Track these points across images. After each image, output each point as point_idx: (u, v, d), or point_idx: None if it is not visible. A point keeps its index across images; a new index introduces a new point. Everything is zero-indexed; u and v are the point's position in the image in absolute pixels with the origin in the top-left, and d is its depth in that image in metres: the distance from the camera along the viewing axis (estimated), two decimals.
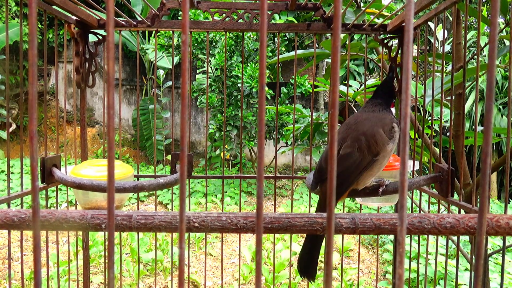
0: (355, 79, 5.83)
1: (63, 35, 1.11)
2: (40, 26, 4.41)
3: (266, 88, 4.86)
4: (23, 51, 0.89)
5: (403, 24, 1.02)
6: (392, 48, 1.13)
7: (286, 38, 5.35)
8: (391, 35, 1.11)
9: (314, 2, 1.07)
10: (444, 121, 2.45)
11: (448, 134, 1.04)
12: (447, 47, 2.64)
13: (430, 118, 1.58)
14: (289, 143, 4.69)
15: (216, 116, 4.72)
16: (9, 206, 0.80)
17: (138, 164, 1.25)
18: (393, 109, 0.87)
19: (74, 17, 1.04)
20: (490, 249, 3.04)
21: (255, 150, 5.32)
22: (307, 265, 0.75)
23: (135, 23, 1.08)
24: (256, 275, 0.23)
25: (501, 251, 0.74)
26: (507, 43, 3.97)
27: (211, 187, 5.00)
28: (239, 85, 4.61)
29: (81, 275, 1.50)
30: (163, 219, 0.50)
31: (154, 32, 3.85)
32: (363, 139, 0.75)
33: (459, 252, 0.95)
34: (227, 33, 2.74)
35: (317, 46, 1.87)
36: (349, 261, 3.30)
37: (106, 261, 0.59)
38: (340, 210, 3.29)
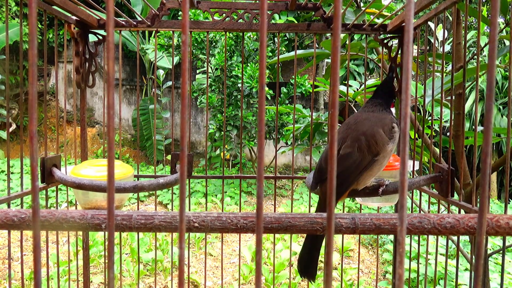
0: (355, 79, 5.83)
1: (63, 35, 1.11)
2: (40, 26, 4.41)
3: (266, 88, 4.86)
4: (23, 51, 0.89)
5: (403, 24, 1.02)
6: (392, 48, 1.13)
7: (286, 38, 5.35)
8: (391, 35, 1.11)
9: (314, 2, 1.07)
10: (444, 121, 2.45)
11: (448, 134, 1.04)
12: (447, 47, 2.64)
13: (430, 118, 1.58)
14: (289, 143, 4.69)
15: (216, 116, 4.72)
16: (9, 206, 0.80)
17: (138, 164, 1.25)
18: (393, 109, 0.87)
19: (74, 17, 1.04)
20: (490, 249, 3.04)
21: (255, 150, 5.32)
22: (307, 265, 0.75)
23: (135, 23, 1.08)
24: (256, 275, 0.23)
25: (501, 251, 0.74)
26: (507, 43, 3.97)
27: (211, 187, 5.00)
28: (239, 85, 4.61)
29: (81, 275, 1.50)
30: (163, 219, 0.50)
31: (154, 32, 3.85)
32: (363, 139, 0.75)
33: (459, 252, 0.95)
34: (227, 33, 2.75)
35: (317, 46, 1.87)
36: (349, 261, 3.30)
37: (106, 261, 0.59)
38: (340, 210, 3.29)
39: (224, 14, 1.08)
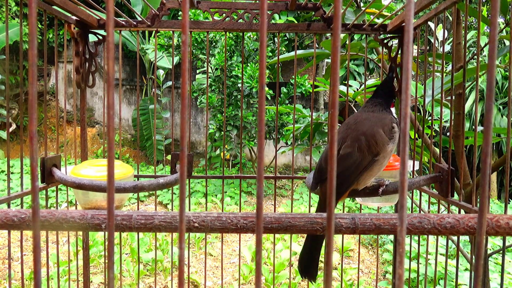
0: (355, 79, 5.83)
1: (63, 35, 1.11)
2: (40, 26, 4.41)
3: (266, 88, 4.86)
4: (23, 51, 0.89)
5: (403, 24, 1.02)
6: (392, 48, 1.13)
7: (286, 38, 5.35)
8: (391, 35, 1.11)
9: (314, 2, 1.07)
10: (444, 121, 2.45)
11: (448, 134, 1.04)
12: (447, 47, 2.64)
13: (430, 118, 1.58)
14: (289, 143, 4.69)
15: (216, 116, 4.72)
16: (9, 206, 0.80)
17: (138, 164, 1.25)
18: (393, 109, 0.87)
19: (74, 17, 1.04)
20: (490, 249, 3.04)
21: (255, 150, 5.32)
22: (307, 265, 0.75)
23: (135, 23, 1.08)
24: (256, 275, 0.23)
25: (501, 251, 0.74)
26: (507, 43, 3.97)
27: (211, 187, 5.00)
28: (239, 85, 4.61)
29: (81, 275, 1.50)
30: (163, 219, 0.50)
31: (154, 32, 3.85)
32: (363, 139, 0.75)
33: (459, 252, 0.95)
34: (227, 33, 2.74)
35: (317, 46, 1.87)
36: (349, 261, 3.30)
37: (106, 261, 0.59)
38: (340, 210, 3.29)
39: (224, 14, 1.08)
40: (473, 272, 0.81)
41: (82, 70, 1.11)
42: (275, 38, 5.14)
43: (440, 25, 2.43)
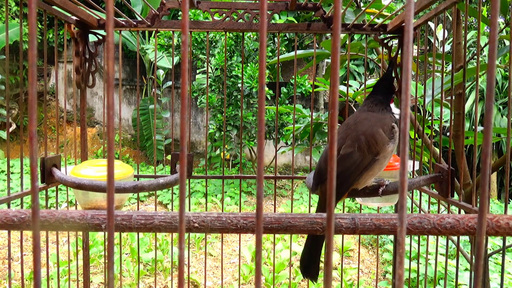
0: (355, 79, 5.83)
1: (63, 35, 1.11)
2: (40, 26, 4.41)
3: (266, 88, 4.86)
4: (23, 51, 0.89)
5: (403, 24, 1.02)
6: (392, 48, 1.13)
7: (286, 38, 5.35)
8: (391, 35, 1.11)
9: (314, 2, 1.06)
10: (444, 121, 2.45)
11: (448, 134, 1.04)
12: (447, 47, 2.64)
13: (430, 118, 1.58)
14: (289, 143, 4.69)
15: (216, 116, 4.72)
16: (9, 206, 0.80)
17: (138, 164, 1.25)
18: (392, 105, 0.87)
19: (74, 17, 1.04)
20: (490, 249, 3.04)
21: (255, 150, 5.32)
22: (309, 265, 0.75)
23: (135, 23, 1.08)
24: (256, 276, 0.23)
25: (501, 251, 0.74)
26: (507, 43, 3.97)
27: (211, 187, 5.00)
28: (239, 85, 4.61)
29: (81, 275, 1.50)
30: (163, 219, 0.50)
31: (154, 32, 3.85)
32: (363, 139, 0.75)
33: (459, 252, 0.95)
34: (227, 33, 2.75)
35: (317, 46, 1.87)
36: (349, 261, 3.30)
37: (106, 261, 0.59)
38: (340, 210, 3.29)
39: (224, 14, 1.08)
40: (473, 272, 0.81)
41: (82, 70, 1.11)
42: (275, 38, 5.14)
43: (440, 25, 2.43)
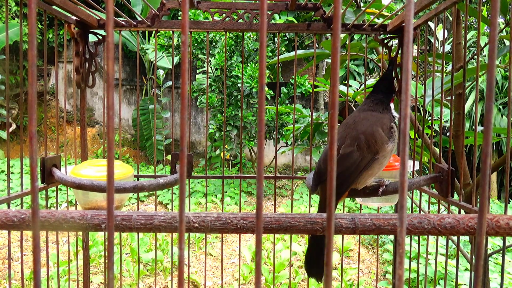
0: (355, 79, 5.83)
1: (63, 35, 1.11)
2: (40, 26, 4.41)
3: (266, 88, 4.86)
4: (23, 51, 0.89)
5: (403, 24, 1.02)
6: (392, 48, 1.13)
7: (286, 38, 5.35)
8: (391, 35, 1.11)
9: (314, 2, 1.06)
10: (444, 121, 2.45)
11: (448, 134, 1.04)
12: (447, 47, 2.64)
13: (430, 118, 1.58)
14: (289, 143, 4.69)
15: (216, 116, 4.72)
16: (9, 206, 0.80)
17: (138, 164, 1.25)
18: (392, 105, 0.87)
19: (74, 17, 1.04)
20: (490, 249, 3.04)
21: (255, 150, 5.32)
22: (314, 265, 0.75)
23: (135, 23, 1.08)
24: (256, 276, 0.23)
25: (501, 251, 0.74)
26: (507, 43, 3.97)
27: (211, 187, 5.00)
28: (239, 85, 4.61)
29: (81, 275, 1.50)
30: (163, 219, 0.50)
31: (154, 32, 3.85)
32: (362, 138, 0.75)
33: (459, 252, 0.95)
34: (227, 33, 2.75)
35: (317, 46, 1.87)
36: (349, 261, 3.30)
37: (106, 261, 0.59)
38: (340, 210, 3.29)
39: (224, 14, 1.08)
40: (473, 272, 0.81)
41: (82, 70, 1.11)
42: (275, 38, 5.14)
43: (440, 25, 2.43)
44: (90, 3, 0.94)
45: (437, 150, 1.31)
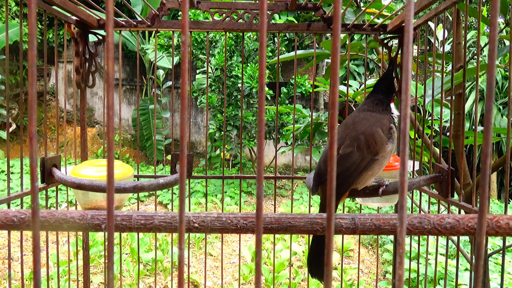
0: (355, 79, 5.83)
1: (63, 35, 1.11)
2: (40, 26, 4.41)
3: (266, 88, 4.86)
4: (23, 51, 0.89)
5: (403, 24, 1.02)
6: (392, 48, 1.13)
7: (286, 38, 5.35)
8: (391, 35, 1.11)
9: (314, 2, 1.06)
10: (444, 121, 2.45)
11: (448, 134, 1.04)
12: (447, 47, 2.64)
13: (430, 118, 1.58)
14: (289, 143, 4.69)
15: (216, 116, 4.72)
16: (9, 207, 0.80)
17: (138, 164, 1.25)
18: (392, 105, 0.87)
19: (74, 17, 1.04)
20: (490, 249, 3.04)
21: (255, 150, 5.32)
22: (316, 265, 0.75)
23: (135, 23, 1.08)
24: (256, 276, 0.23)
25: (501, 251, 0.74)
26: (507, 43, 3.97)
27: (211, 187, 5.00)
28: (239, 85, 4.61)
29: (81, 275, 1.50)
30: (163, 219, 0.50)
31: (154, 32, 3.85)
32: (362, 138, 0.75)
33: (459, 252, 0.95)
34: (227, 33, 2.75)
35: (317, 46, 1.87)
36: (349, 261, 3.30)
37: (106, 261, 0.59)
38: (340, 210, 3.29)
39: (224, 14, 1.08)
40: (473, 272, 0.81)
41: (82, 70, 1.11)
42: (275, 38, 5.14)
43: (440, 25, 2.43)
44: (90, 3, 0.94)
45: (437, 150, 1.31)
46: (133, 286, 2.68)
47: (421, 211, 1.24)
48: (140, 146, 6.17)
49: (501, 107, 5.47)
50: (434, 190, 0.91)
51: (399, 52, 1.09)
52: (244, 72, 4.50)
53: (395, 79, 1.08)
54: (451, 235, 0.50)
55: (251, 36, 4.61)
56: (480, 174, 0.71)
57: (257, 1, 1.10)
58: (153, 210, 2.71)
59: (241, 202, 1.19)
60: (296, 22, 4.96)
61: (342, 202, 0.94)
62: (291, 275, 1.72)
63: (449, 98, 1.22)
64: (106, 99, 0.23)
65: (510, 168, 1.23)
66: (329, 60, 3.26)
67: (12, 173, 5.07)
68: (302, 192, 5.01)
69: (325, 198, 0.77)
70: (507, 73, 4.63)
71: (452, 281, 2.51)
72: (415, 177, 0.95)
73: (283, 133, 3.60)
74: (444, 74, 0.93)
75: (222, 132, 4.68)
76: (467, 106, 5.30)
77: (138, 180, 1.15)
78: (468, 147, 5.17)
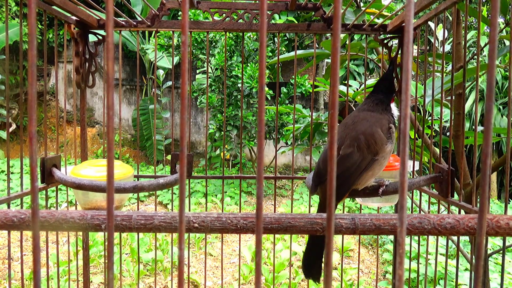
0: (355, 79, 5.83)
1: (63, 35, 1.11)
2: (40, 26, 4.41)
3: (266, 88, 4.86)
4: (23, 51, 0.89)
5: (403, 24, 1.02)
6: (392, 48, 1.13)
7: (286, 38, 5.35)
8: (391, 35, 1.11)
9: (314, 2, 1.06)
10: (444, 121, 2.45)
11: (448, 134, 1.04)
12: (447, 47, 2.64)
13: (430, 118, 1.58)
14: (289, 143, 4.69)
15: (216, 116, 4.72)
16: (9, 207, 0.80)
17: (138, 164, 1.25)
18: (393, 104, 0.86)
19: (74, 17, 1.04)
20: (490, 249, 3.04)
21: (255, 150, 5.32)
22: (311, 266, 0.75)
23: (135, 23, 1.08)
24: (256, 276, 0.23)
25: (501, 251, 0.74)
26: (507, 43, 3.97)
27: (211, 187, 5.00)
28: (239, 85, 4.61)
29: (81, 275, 1.50)
30: (163, 219, 0.50)
31: (154, 32, 3.85)
32: (362, 138, 0.75)
33: (459, 252, 0.95)
34: (227, 33, 2.74)
35: (317, 46, 1.87)
36: (349, 261, 3.30)
37: (106, 261, 0.59)
38: (340, 210, 3.29)
39: (224, 14, 1.08)
40: (473, 272, 0.81)
41: (82, 70, 1.11)
42: (275, 38, 5.14)
43: (440, 25, 2.43)
44: (90, 3, 0.94)
45: (437, 150, 1.31)
46: (133, 286, 2.68)
47: (421, 211, 1.24)
48: (140, 146, 6.17)
49: (501, 107, 5.47)
50: (434, 190, 0.91)
51: (399, 52, 1.09)
52: (244, 72, 4.50)
53: (395, 79, 1.08)
54: (451, 235, 0.50)
55: (251, 36, 4.61)
56: (480, 174, 0.71)
57: (257, 1, 1.10)
58: (153, 210, 2.70)
59: (241, 202, 1.19)
60: (296, 22, 4.96)
61: (342, 202, 0.94)
62: (291, 275, 1.72)
63: (449, 98, 1.22)
64: (106, 99, 0.23)
65: (510, 168, 1.23)
66: (329, 60, 3.26)
67: (12, 173, 5.07)
68: (302, 192, 5.01)
69: (324, 198, 0.76)
70: (507, 73, 4.63)
71: (452, 281, 2.51)
72: (415, 177, 0.95)
73: (283, 133, 3.60)
74: (444, 74, 0.93)
75: (222, 132, 4.68)
76: (467, 106, 5.30)
77: (138, 180, 1.15)
78: (468, 147, 5.17)
